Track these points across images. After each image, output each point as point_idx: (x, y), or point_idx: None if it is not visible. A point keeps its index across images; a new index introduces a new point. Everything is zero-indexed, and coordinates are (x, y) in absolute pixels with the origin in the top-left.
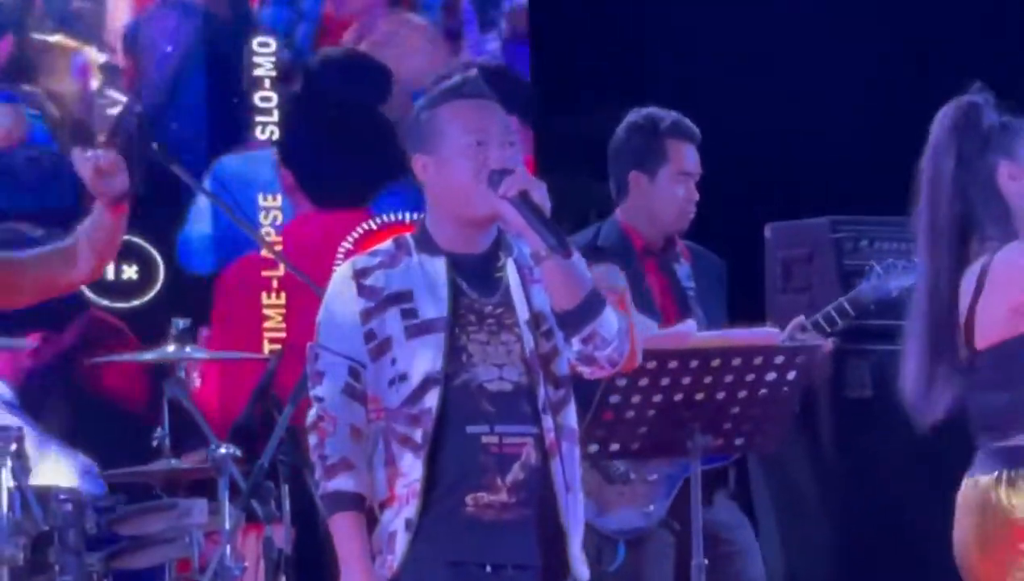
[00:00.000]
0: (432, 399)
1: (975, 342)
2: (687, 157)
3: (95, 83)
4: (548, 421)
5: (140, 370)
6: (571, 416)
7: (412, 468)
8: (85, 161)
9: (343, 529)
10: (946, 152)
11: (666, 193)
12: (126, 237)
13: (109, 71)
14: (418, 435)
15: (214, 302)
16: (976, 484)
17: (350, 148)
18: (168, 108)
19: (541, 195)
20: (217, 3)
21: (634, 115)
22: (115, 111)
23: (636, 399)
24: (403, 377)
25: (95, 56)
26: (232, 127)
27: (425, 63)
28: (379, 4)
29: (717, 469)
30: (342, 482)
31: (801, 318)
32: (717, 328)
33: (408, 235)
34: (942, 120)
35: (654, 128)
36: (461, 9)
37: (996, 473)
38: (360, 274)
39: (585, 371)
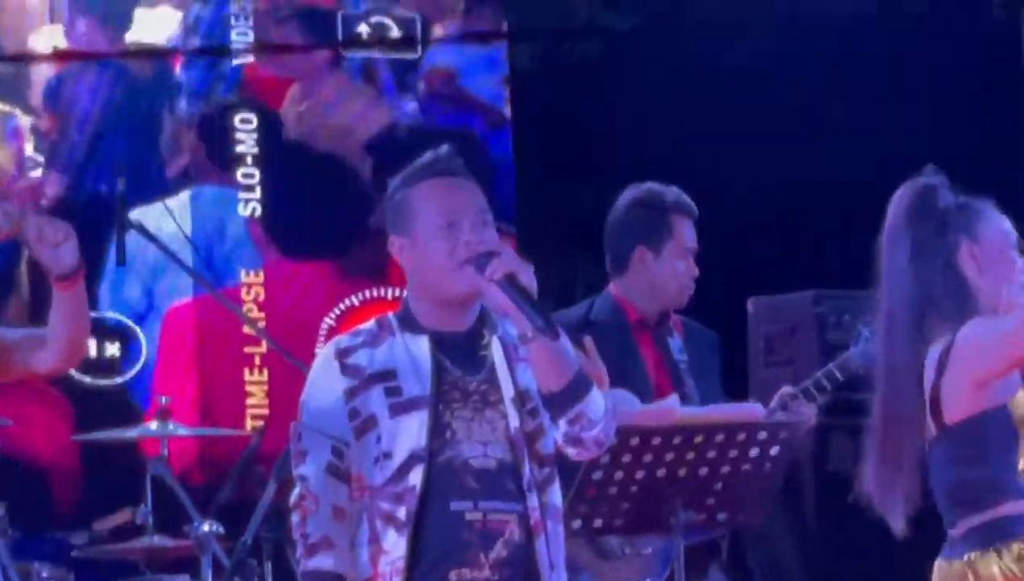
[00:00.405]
0: (416, 476)
1: (944, 418)
2: (689, 233)
3: (29, 147)
4: (533, 499)
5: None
6: (556, 495)
7: (395, 546)
8: (30, 227)
9: None
10: (903, 235)
11: (670, 269)
12: (109, 314)
13: (36, 133)
14: (402, 513)
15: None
16: (972, 562)
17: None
18: (89, 166)
19: (528, 277)
20: (139, 64)
21: (635, 190)
22: (38, 173)
23: (619, 475)
24: (387, 455)
25: (24, 119)
26: (154, 185)
27: (370, 120)
28: (322, 66)
29: (710, 540)
30: (321, 560)
31: (788, 388)
32: (712, 401)
33: (390, 315)
34: (897, 203)
35: (659, 204)
36: (380, 78)
37: (989, 549)
38: (343, 354)
39: (571, 452)
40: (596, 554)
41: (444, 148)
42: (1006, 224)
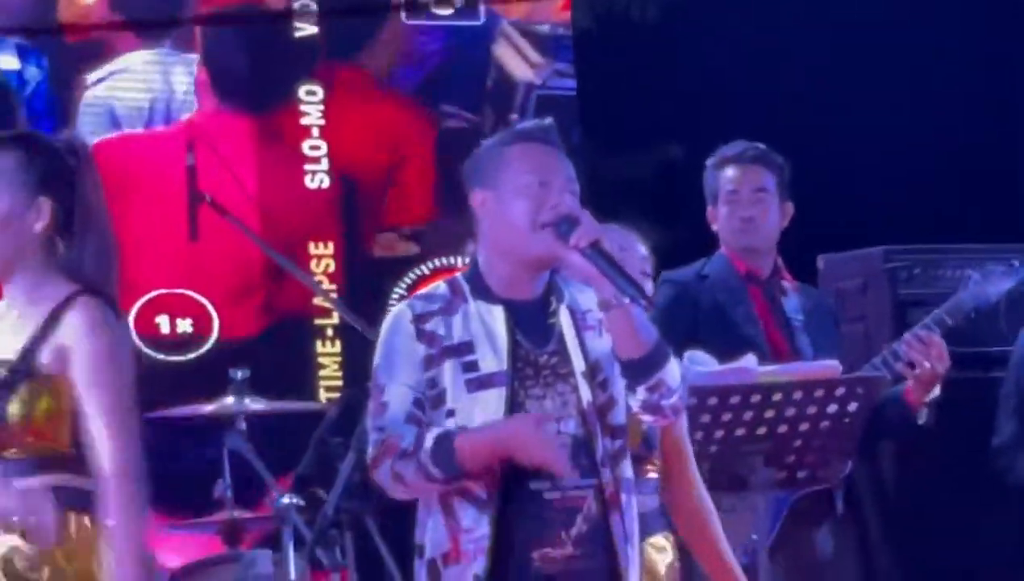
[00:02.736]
0: None
1: None
2: (732, 177)
3: None
4: (607, 473)
5: None
6: (628, 467)
7: (477, 523)
8: None
9: (467, 439)
10: None
11: (721, 215)
12: (180, 290)
13: None
14: (481, 490)
15: None
16: None
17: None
18: None
19: (609, 244)
20: None
21: None
22: None
23: (698, 435)
24: (463, 430)
25: None
26: None
27: None
28: None
29: (825, 494)
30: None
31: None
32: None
33: (460, 277)
34: None
35: (714, 162)
36: None
37: None
38: (419, 319)
39: (648, 419)
40: None
41: (548, 120)
42: None
